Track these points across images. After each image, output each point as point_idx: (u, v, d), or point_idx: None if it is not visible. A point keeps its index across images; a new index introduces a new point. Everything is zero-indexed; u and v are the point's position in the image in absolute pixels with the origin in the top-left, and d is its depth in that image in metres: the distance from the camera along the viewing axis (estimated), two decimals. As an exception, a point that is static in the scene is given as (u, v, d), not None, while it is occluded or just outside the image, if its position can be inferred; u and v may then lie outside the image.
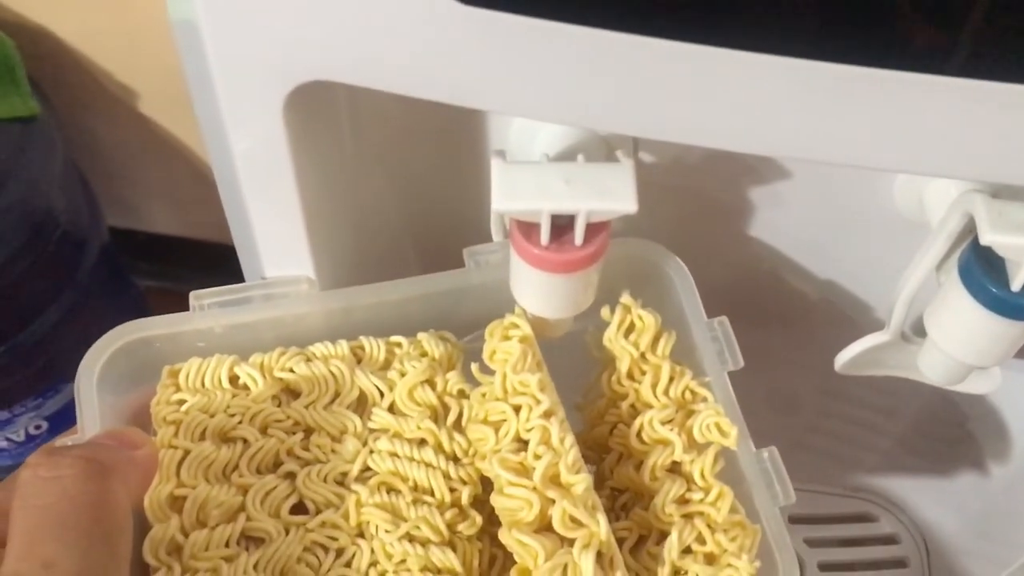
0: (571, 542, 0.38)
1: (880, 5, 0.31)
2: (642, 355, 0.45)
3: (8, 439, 0.81)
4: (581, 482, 0.39)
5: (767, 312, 0.59)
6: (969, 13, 0.30)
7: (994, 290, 0.41)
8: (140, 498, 0.37)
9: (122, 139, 0.85)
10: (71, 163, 0.77)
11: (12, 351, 0.73)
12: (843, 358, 0.50)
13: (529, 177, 0.39)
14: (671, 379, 0.44)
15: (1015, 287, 0.40)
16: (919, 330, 0.47)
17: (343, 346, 0.44)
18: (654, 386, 0.44)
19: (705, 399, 0.44)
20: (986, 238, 0.39)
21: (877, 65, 0.32)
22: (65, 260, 0.75)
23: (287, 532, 0.41)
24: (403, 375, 0.43)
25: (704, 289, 0.47)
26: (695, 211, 0.53)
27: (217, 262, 0.89)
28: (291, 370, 0.43)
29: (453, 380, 0.44)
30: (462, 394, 0.44)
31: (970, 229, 0.41)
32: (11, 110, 0.70)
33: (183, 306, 0.45)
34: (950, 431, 0.68)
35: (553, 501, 0.38)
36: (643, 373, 0.45)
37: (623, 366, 0.45)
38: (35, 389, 0.77)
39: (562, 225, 0.40)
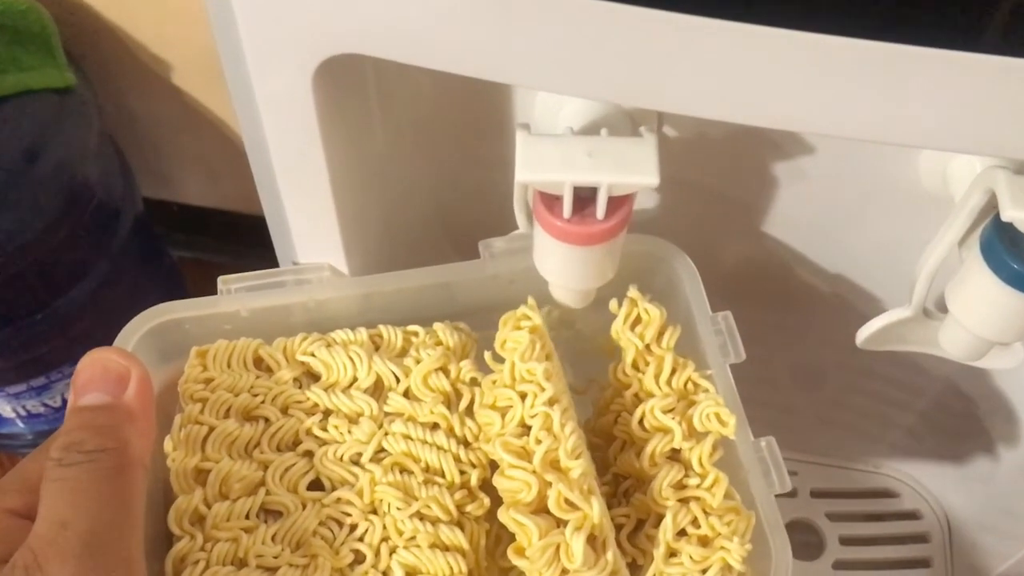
0: (565, 523, 0.39)
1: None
2: (647, 347, 0.46)
3: (45, 404, 0.83)
4: (578, 467, 0.40)
5: (792, 288, 0.59)
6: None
7: (1015, 266, 0.41)
8: (150, 437, 0.39)
9: (156, 111, 0.86)
10: (106, 134, 0.77)
11: (49, 318, 0.74)
12: (864, 333, 0.50)
13: (552, 149, 0.40)
14: (673, 370, 0.45)
15: (1035, 263, 0.40)
16: (942, 306, 0.47)
17: (362, 333, 0.46)
18: (657, 376, 0.45)
19: (707, 390, 0.45)
20: (1007, 214, 0.39)
21: (904, 41, 0.32)
22: (100, 230, 0.76)
23: (304, 507, 0.43)
24: (418, 362, 0.45)
25: (730, 266, 0.46)
26: (722, 185, 0.54)
27: (248, 233, 0.90)
28: (312, 354, 0.45)
29: (466, 368, 0.45)
30: (474, 382, 0.45)
31: (992, 205, 0.41)
32: (47, 81, 0.70)
33: (215, 275, 0.47)
34: (974, 408, 0.67)
35: (551, 484, 0.40)
36: (647, 364, 0.46)
37: (628, 357, 0.46)
38: (71, 356, 0.78)
39: (585, 198, 0.40)
